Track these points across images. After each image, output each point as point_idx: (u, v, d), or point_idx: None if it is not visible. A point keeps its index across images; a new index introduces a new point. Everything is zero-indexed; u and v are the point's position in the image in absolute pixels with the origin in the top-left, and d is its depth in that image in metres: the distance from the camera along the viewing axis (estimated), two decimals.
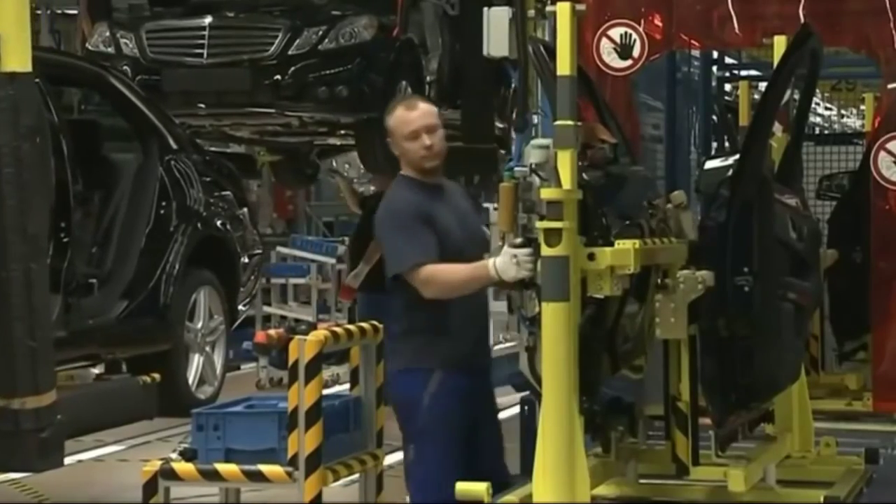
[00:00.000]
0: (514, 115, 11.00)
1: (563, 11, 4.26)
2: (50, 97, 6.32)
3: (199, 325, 7.23)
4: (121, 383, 6.66)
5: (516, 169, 4.46)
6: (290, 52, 8.82)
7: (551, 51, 4.83)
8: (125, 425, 6.82)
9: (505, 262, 4.44)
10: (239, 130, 9.52)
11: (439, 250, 4.59)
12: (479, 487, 4.41)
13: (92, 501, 6.90)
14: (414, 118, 4.75)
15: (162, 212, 7.03)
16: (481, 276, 4.54)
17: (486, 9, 7.27)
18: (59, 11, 14.35)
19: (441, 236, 4.62)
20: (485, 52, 6.95)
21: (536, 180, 4.38)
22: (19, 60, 5.18)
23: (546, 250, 4.21)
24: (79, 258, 6.45)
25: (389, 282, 4.64)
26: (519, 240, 4.43)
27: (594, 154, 4.54)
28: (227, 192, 7.67)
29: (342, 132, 9.50)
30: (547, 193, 4.21)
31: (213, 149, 8.36)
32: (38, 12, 14.38)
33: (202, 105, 8.78)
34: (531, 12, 7.73)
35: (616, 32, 4.64)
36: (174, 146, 7.29)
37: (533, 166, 4.35)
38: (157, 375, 6.57)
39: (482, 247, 4.84)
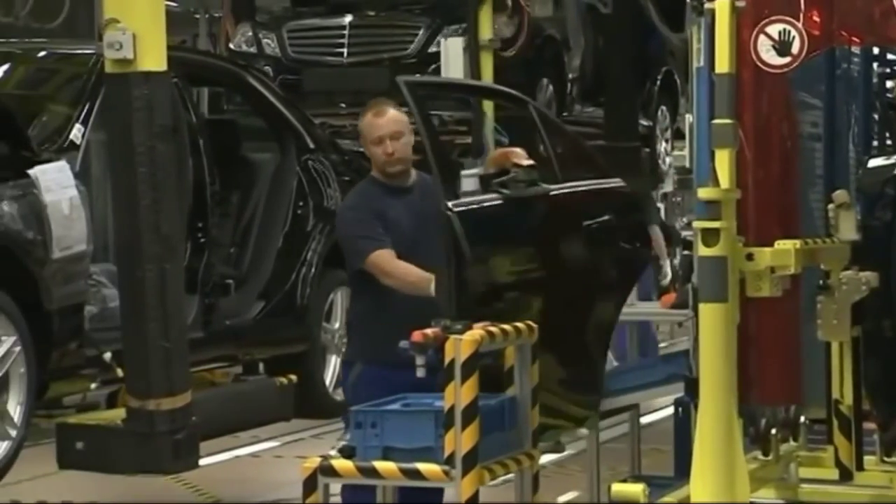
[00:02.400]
0: (657, 113, 10.86)
1: (722, 8, 4.26)
2: (188, 97, 6.31)
3: (337, 325, 7.16)
4: (257, 384, 6.61)
5: None
6: (429, 50, 8.74)
7: (432, 84, 5.31)
8: (262, 426, 6.79)
9: None
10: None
11: (391, 241, 4.88)
12: (636, 488, 4.43)
13: (250, 496, 6.94)
14: (381, 124, 4.98)
15: (299, 212, 6.97)
16: (423, 290, 4.79)
17: (442, 39, 7.42)
18: (216, 15, 14.60)
19: (389, 233, 4.89)
20: None
21: None
22: (154, 60, 5.18)
23: (703, 250, 4.21)
24: (216, 258, 6.43)
25: (348, 280, 5.05)
26: None
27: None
28: None
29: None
30: (704, 193, 4.20)
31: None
32: (197, 16, 14.64)
33: (343, 104, 8.73)
34: (487, 37, 7.80)
35: (774, 29, 4.57)
36: (312, 146, 7.23)
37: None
38: (293, 377, 6.52)
39: (430, 251, 4.89)
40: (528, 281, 4.90)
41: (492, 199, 4.89)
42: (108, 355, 5.56)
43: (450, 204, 4.63)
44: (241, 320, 6.57)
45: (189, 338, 5.61)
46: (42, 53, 6.70)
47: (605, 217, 5.29)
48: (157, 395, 5.26)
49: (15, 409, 5.20)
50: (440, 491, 4.75)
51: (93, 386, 5.74)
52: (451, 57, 8.33)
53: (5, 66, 6.36)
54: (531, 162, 5.02)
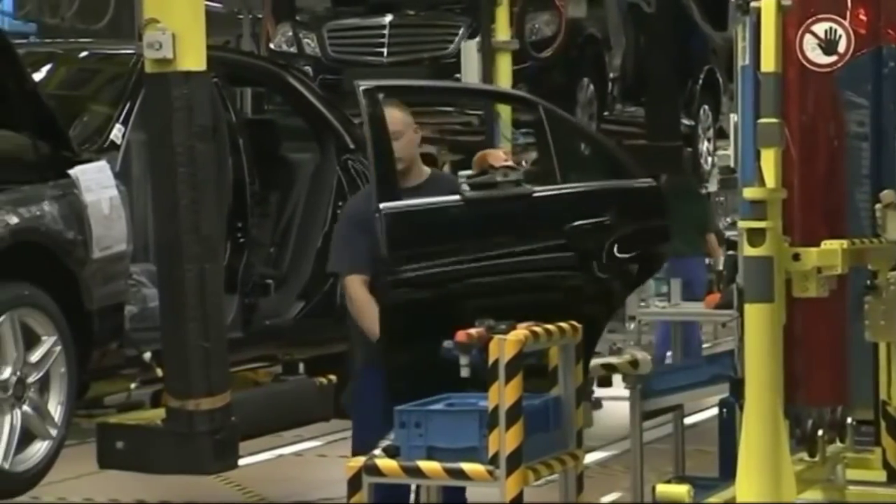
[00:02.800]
0: (700, 112, 10.77)
1: (768, 7, 4.27)
2: (228, 96, 6.29)
3: None
4: (296, 384, 6.60)
5: None
6: None
7: (398, 88, 5.41)
8: (301, 427, 6.78)
9: None
10: (420, 130, 9.42)
11: (370, 261, 4.92)
12: (680, 489, 4.46)
13: (294, 495, 6.95)
14: None
15: (339, 212, 6.94)
16: (369, 332, 4.89)
17: (462, 42, 7.41)
18: (260, 16, 14.62)
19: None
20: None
21: None
22: (194, 59, 5.18)
23: (749, 250, 4.22)
24: (256, 258, 6.41)
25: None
26: None
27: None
28: None
29: (524, 130, 9.32)
30: (750, 193, 4.21)
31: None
32: (240, 17, 14.65)
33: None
34: (503, 39, 7.80)
35: (821, 28, 4.60)
36: (352, 146, 7.20)
37: None
38: (333, 377, 6.49)
39: None
40: (471, 281, 4.96)
41: (443, 202, 4.97)
42: (147, 355, 5.56)
43: (381, 206, 4.73)
44: (280, 320, 6.54)
45: (229, 338, 5.60)
46: (83, 54, 6.71)
47: (603, 218, 5.27)
48: (196, 396, 5.26)
49: (56, 409, 5.20)
50: (462, 490, 4.74)
51: (133, 386, 5.74)
52: (468, 59, 8.34)
53: (47, 67, 6.38)
54: (508, 163, 5.13)
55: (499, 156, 5.22)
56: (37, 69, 6.14)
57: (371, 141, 4.83)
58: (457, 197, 5.01)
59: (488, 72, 8.29)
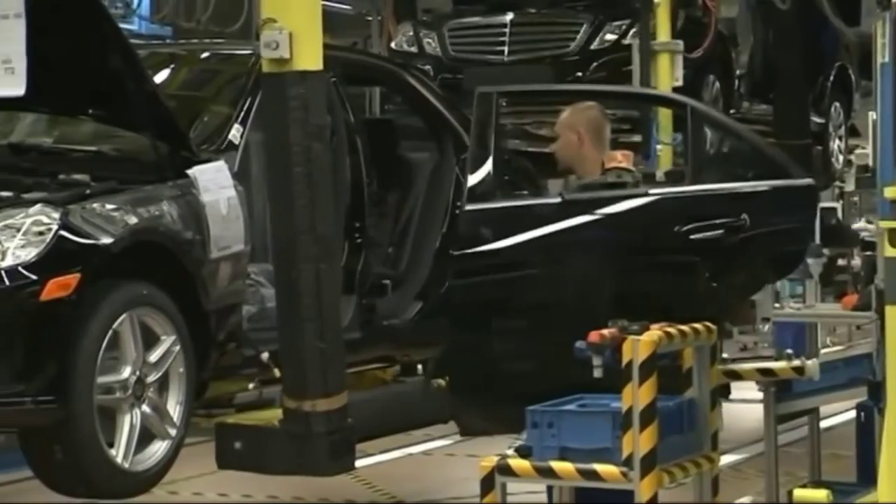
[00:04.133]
0: (830, 110, 10.49)
1: None
2: (345, 96, 6.27)
3: None
4: (414, 386, 6.55)
5: None
6: (592, 48, 8.57)
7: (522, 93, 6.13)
8: (419, 429, 6.73)
9: None
10: (540, 129, 9.32)
11: None
12: (819, 494, 4.44)
13: (426, 493, 6.94)
14: None
15: (457, 212, 6.87)
16: None
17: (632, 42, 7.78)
18: None
19: None
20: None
21: None
22: (310, 59, 5.16)
23: (890, 251, 4.11)
24: (373, 259, 6.38)
25: None
26: None
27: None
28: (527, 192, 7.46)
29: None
30: (891, 192, 4.11)
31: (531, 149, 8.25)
32: (369, 18, 14.71)
33: (503, 103, 8.60)
34: (664, 40, 8.00)
35: None
36: None
37: None
38: None
39: None
40: (551, 282, 5.04)
41: (534, 203, 5.27)
42: (265, 355, 5.56)
43: (467, 207, 5.04)
44: (398, 321, 6.50)
45: (346, 339, 5.58)
46: (204, 54, 6.76)
47: (730, 219, 5.14)
48: (313, 396, 5.23)
49: (174, 409, 5.23)
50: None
51: (251, 386, 5.75)
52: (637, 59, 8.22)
53: (170, 68, 6.44)
54: (623, 165, 5.21)
55: (614, 157, 5.24)
56: (159, 70, 6.20)
57: (473, 140, 5.13)
58: (557, 199, 5.16)
59: (646, 74, 8.16)
